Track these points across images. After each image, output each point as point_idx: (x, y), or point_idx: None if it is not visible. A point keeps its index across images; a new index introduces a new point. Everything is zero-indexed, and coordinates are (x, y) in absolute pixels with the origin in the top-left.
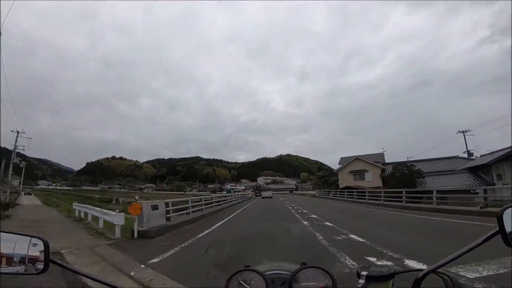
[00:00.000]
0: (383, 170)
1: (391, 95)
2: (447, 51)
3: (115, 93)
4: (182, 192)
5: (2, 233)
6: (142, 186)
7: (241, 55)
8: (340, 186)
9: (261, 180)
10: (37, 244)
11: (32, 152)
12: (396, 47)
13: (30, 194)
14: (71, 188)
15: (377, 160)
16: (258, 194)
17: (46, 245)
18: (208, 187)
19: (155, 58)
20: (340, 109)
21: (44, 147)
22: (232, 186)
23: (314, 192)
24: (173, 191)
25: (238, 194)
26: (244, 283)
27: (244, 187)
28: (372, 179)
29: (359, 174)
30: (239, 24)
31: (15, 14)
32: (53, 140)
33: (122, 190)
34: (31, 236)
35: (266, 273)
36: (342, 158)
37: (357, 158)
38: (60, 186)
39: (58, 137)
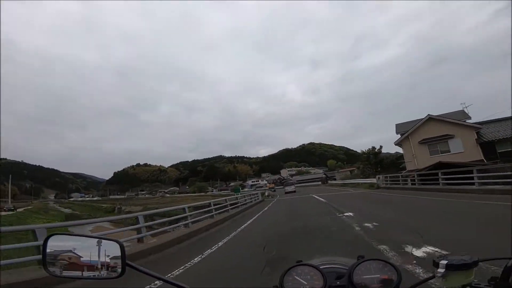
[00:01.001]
0: (478, 134)
1: (410, 74)
2: (462, 25)
3: (135, 102)
4: (203, 194)
5: (78, 236)
6: (166, 190)
7: (250, 50)
8: (408, 167)
9: (284, 172)
10: (113, 248)
11: (67, 167)
12: (407, 25)
13: (13, 210)
14: (100, 198)
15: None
16: (273, 190)
17: (122, 248)
18: (230, 185)
19: (167, 64)
20: (358, 93)
21: (78, 161)
22: (254, 181)
23: (374, 180)
24: (195, 193)
25: (260, 189)
26: (299, 278)
27: (266, 182)
28: (463, 148)
29: (440, 142)
30: (243, 20)
31: (26, 33)
32: (85, 154)
33: (147, 196)
34: (108, 239)
35: (320, 267)
36: (398, 125)
37: (430, 118)
38: (92, 197)
39: (89, 151)
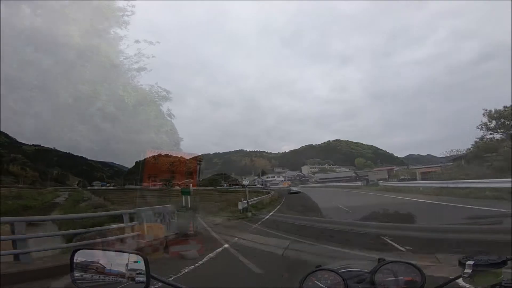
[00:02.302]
0: None
1: (449, 73)
2: (506, 22)
3: (160, 95)
4: (212, 188)
5: (102, 251)
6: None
7: (277, 45)
8: None
9: (305, 169)
10: (136, 261)
11: (99, 156)
12: (447, 22)
13: None
14: (115, 187)
15: None
16: (267, 185)
17: (145, 261)
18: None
19: (193, 58)
20: (391, 91)
21: (110, 151)
22: (269, 177)
23: None
24: (206, 186)
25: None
26: (319, 283)
27: (283, 178)
28: None
29: None
30: (269, 15)
31: (59, 26)
32: (116, 144)
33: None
34: (130, 253)
35: (340, 271)
36: None
37: None
38: (113, 186)
39: (120, 142)
